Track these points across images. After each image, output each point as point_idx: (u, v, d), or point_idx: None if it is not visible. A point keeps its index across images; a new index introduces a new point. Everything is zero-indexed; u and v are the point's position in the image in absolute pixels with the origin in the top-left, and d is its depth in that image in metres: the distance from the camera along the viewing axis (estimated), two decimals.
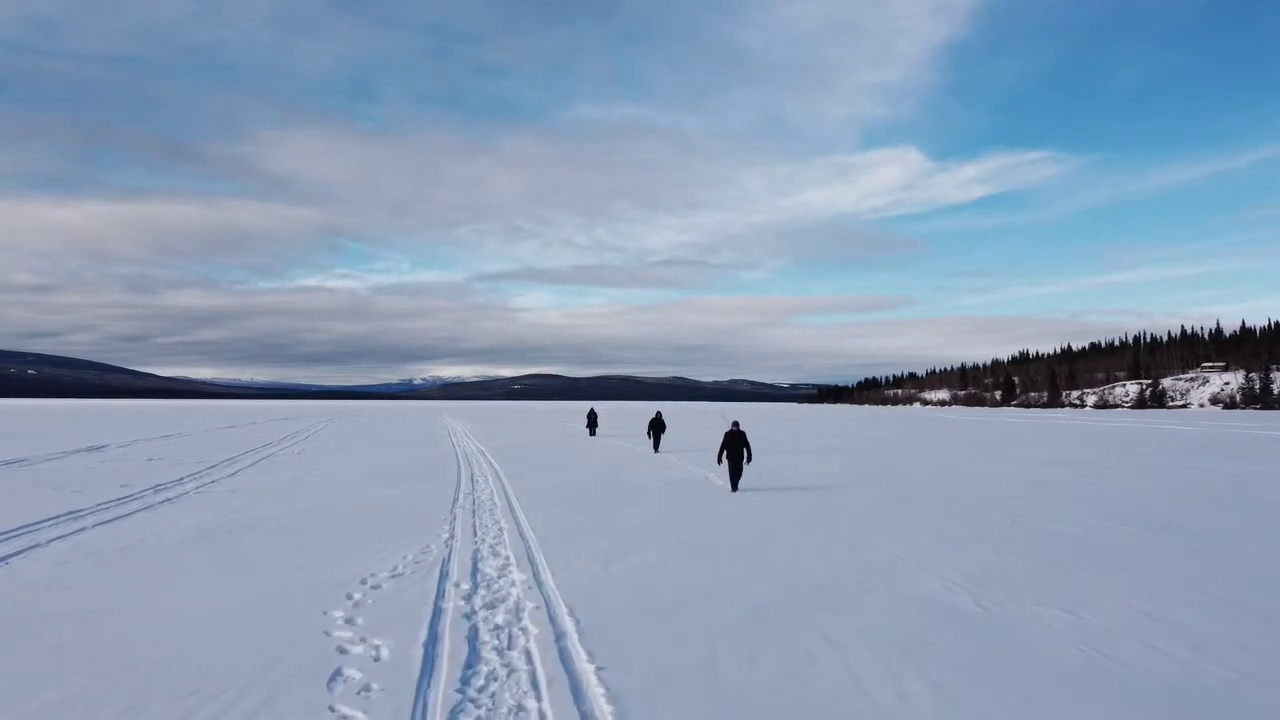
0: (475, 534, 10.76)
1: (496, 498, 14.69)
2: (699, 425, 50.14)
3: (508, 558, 9.15)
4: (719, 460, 15.73)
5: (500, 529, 11.15)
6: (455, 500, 14.35)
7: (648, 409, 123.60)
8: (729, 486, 15.62)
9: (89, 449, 27.55)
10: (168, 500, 14.57)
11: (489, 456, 25.21)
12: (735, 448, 15.52)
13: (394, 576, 8.22)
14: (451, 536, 10.55)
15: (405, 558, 9.14)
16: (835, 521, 11.76)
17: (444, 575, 8.23)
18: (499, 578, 8.18)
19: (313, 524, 11.68)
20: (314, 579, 8.10)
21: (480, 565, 8.75)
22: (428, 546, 9.82)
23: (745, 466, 15.65)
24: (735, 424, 16.05)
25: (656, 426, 26.48)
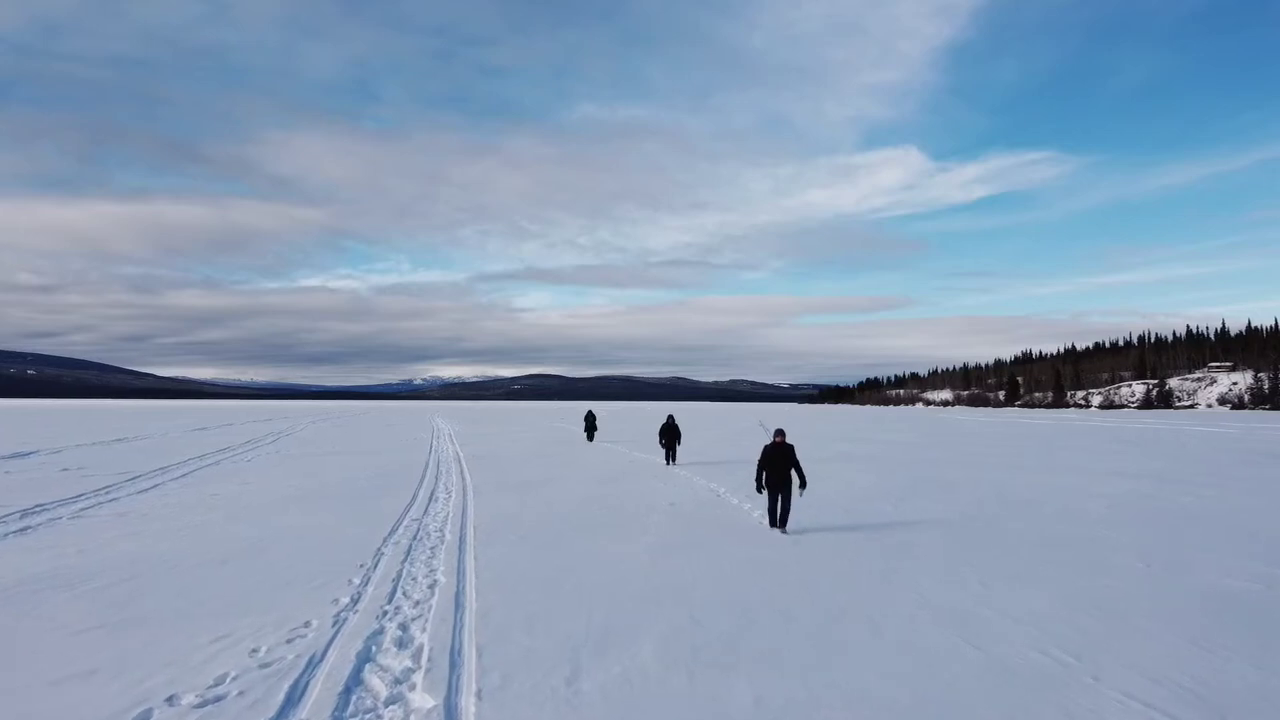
0: (393, 595, 7.36)
1: (450, 527, 11.29)
2: (704, 426, 46.69)
3: (420, 651, 5.75)
4: (759, 486, 11.23)
5: (433, 585, 7.75)
6: (394, 530, 10.95)
7: (648, 410, 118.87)
8: (764, 519, 12.00)
9: (10, 456, 24.16)
10: (25, 530, 11.19)
11: (465, 465, 21.82)
12: (780, 469, 11.13)
13: (206, 703, 4.81)
14: (355, 601, 7.15)
15: (255, 652, 5.73)
16: (913, 575, 8.32)
17: (291, 702, 4.82)
18: (386, 706, 4.79)
19: (174, 574, 8.29)
20: (63, 707, 4.71)
21: (367, 672, 5.35)
22: (307, 623, 6.43)
23: (796, 496, 11.35)
24: (780, 435, 11.55)
25: (669, 434, 21.78)
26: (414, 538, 10.40)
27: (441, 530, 11.01)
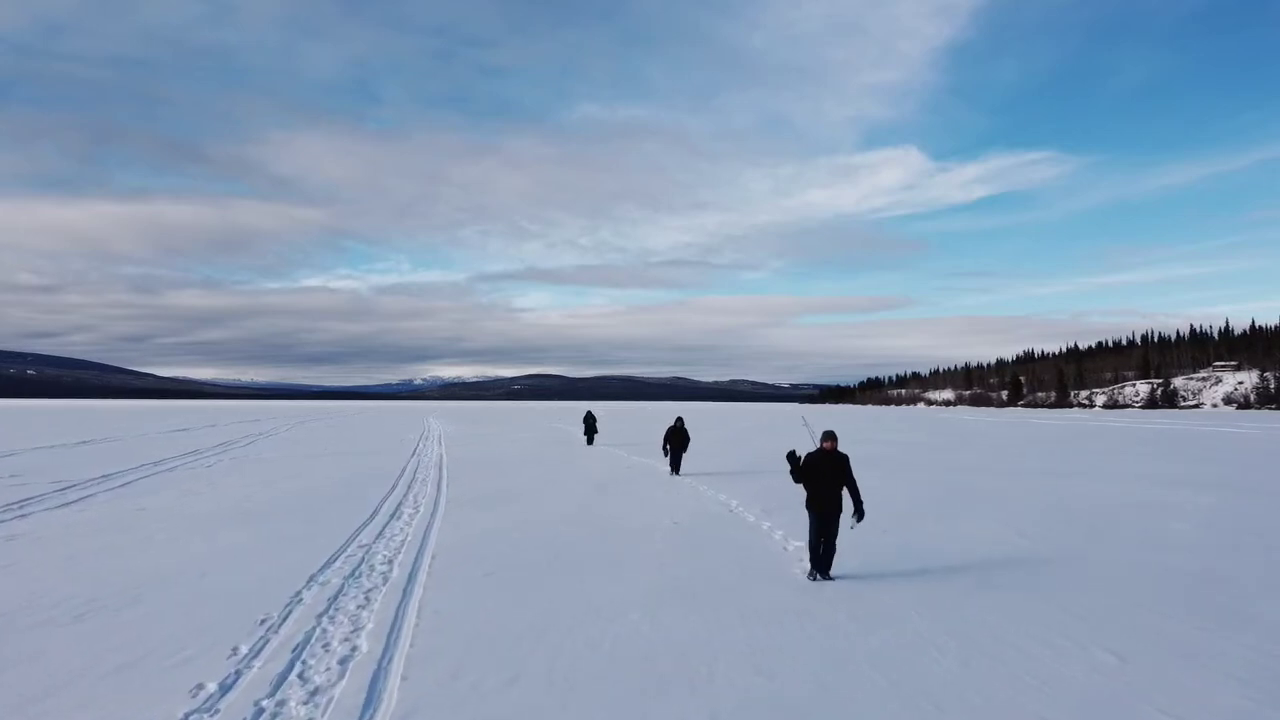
0: (284, 679, 5.15)
1: (402, 558, 9.07)
2: (706, 427, 44.44)
3: None
4: (794, 477, 8.24)
5: (347, 660, 5.54)
6: (331, 561, 8.73)
7: (649, 410, 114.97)
8: (788, 541, 9.95)
9: None
10: None
11: (446, 472, 19.63)
12: (829, 488, 8.03)
13: None
14: (223, 689, 4.93)
15: None
16: (1014, 640, 6.06)
17: None
18: None
19: None
20: None
21: None
22: None
23: (849, 528, 8.26)
24: (830, 440, 8.20)
25: (676, 439, 18.69)
26: (351, 574, 8.18)
27: (390, 563, 8.79)
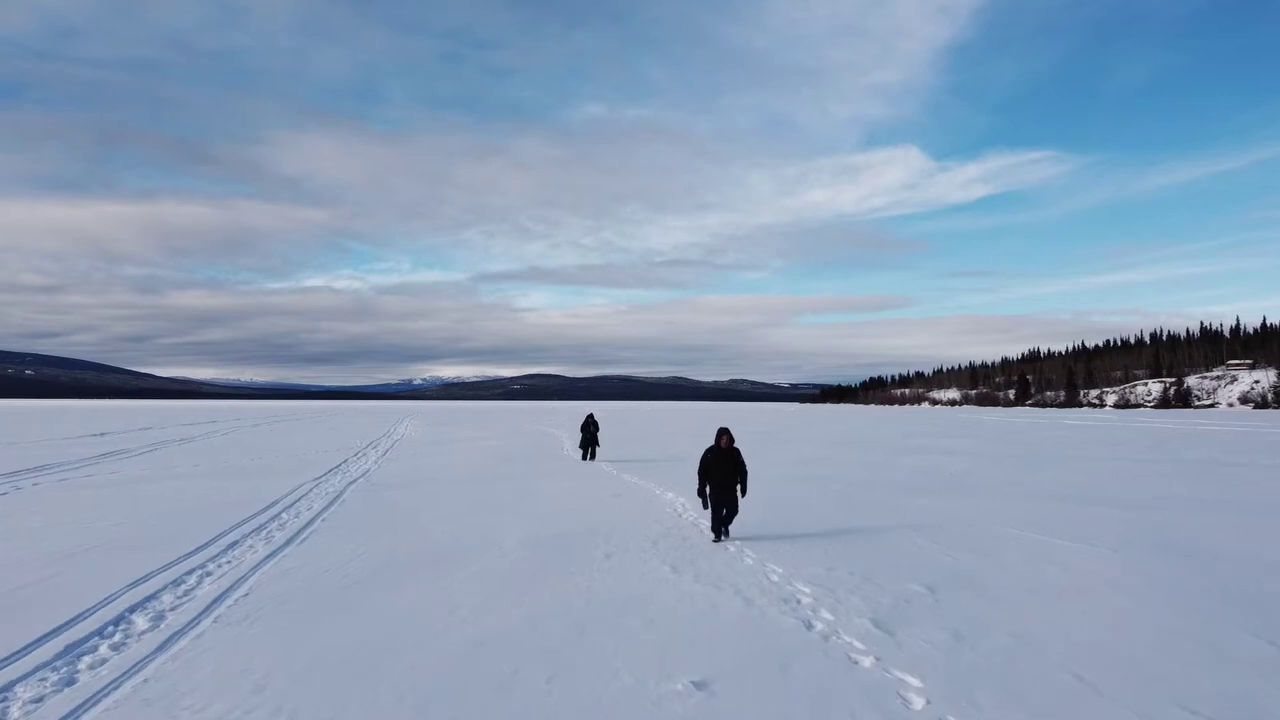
0: None
1: None
2: (710, 430, 37.86)
3: None
4: None
5: None
6: None
7: (647, 410, 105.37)
8: None
9: None
10: None
11: (335, 508, 13.08)
12: None
13: None
14: None
15: None
16: None
17: None
18: None
19: None
20: None
21: None
22: None
23: None
24: None
25: (721, 465, 9.83)
26: None
27: None
